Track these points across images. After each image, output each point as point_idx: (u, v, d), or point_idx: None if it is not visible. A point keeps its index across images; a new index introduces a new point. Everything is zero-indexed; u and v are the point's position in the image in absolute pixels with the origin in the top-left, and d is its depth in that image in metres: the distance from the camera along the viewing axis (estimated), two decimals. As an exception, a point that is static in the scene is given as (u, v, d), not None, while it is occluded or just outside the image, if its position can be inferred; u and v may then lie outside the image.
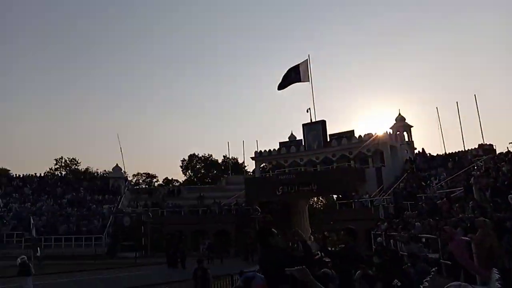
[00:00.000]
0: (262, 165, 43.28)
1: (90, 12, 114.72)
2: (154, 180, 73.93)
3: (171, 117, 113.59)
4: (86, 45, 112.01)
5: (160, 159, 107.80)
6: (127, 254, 33.70)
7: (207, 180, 67.92)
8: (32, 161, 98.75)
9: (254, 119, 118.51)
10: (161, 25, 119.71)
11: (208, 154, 73.42)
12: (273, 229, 4.93)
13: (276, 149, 41.97)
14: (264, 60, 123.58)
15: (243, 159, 60.47)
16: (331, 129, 40.15)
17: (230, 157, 63.02)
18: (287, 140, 42.35)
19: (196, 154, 73.32)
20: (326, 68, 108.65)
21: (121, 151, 47.19)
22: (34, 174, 48.68)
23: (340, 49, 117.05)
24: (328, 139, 39.27)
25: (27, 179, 47.18)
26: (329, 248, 9.80)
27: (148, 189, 53.67)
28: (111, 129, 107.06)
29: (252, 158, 43.59)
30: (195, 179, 70.31)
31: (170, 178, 74.80)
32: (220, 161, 72.51)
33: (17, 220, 36.81)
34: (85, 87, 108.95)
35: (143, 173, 74.20)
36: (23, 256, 16.18)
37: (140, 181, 72.38)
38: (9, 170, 59.36)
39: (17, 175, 48.94)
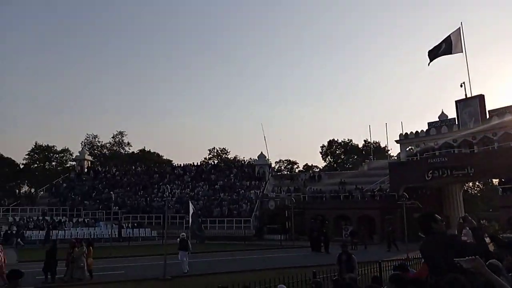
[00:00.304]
0: (408, 148, 40.34)
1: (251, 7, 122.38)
2: (295, 166, 75.82)
3: (310, 104, 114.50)
4: (235, 47, 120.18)
5: (300, 146, 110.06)
6: (273, 236, 35.34)
7: (347, 166, 66.74)
8: (190, 151, 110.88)
9: (398, 99, 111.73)
10: (303, 14, 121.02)
11: (348, 139, 72.14)
12: (436, 215, 4.60)
13: (424, 130, 38.63)
14: (408, 34, 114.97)
15: (386, 143, 57.63)
16: (490, 105, 35.23)
17: (372, 141, 60.72)
18: (437, 119, 38.62)
19: (336, 139, 72.67)
20: (481, 37, 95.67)
21: (264, 139, 49.63)
22: (192, 163, 54.39)
23: (497, 13, 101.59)
24: (488, 116, 34.45)
25: (187, 168, 52.98)
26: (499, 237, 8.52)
27: (290, 175, 55.26)
28: (256, 120, 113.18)
29: (396, 141, 41.02)
30: (335, 164, 69.80)
31: (310, 164, 75.84)
32: (360, 146, 70.51)
33: (179, 204, 41.85)
34: (233, 86, 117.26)
35: (285, 160, 76.72)
36: (183, 234, 18.41)
37: (282, 167, 75.03)
38: (172, 161, 68.01)
39: (178, 165, 55.36)
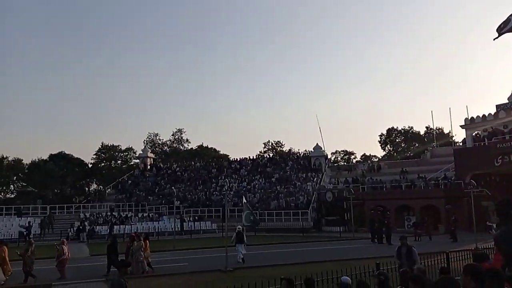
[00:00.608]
0: (474, 133, 37.98)
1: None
2: (352, 157, 74.23)
3: (367, 91, 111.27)
4: (290, 41, 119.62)
5: (357, 135, 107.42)
6: (331, 228, 34.91)
7: (408, 154, 64.19)
8: (246, 146, 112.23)
9: (462, 82, 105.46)
10: None
11: (409, 127, 69.30)
12: None
13: (492, 113, 36.18)
14: (472, 12, 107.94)
15: (449, 129, 54.73)
16: None
17: (434, 128, 57.87)
18: (506, 101, 35.95)
19: (395, 127, 70.08)
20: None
21: (320, 130, 48.90)
22: (248, 157, 55.03)
23: None
24: None
25: (243, 162, 53.68)
26: None
27: (348, 165, 54.19)
28: (310, 111, 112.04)
29: (461, 126, 38.73)
30: (395, 153, 67.42)
31: (368, 154, 73.87)
32: (422, 133, 67.51)
33: (237, 197, 42.53)
34: (286, 78, 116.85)
35: (341, 151, 75.35)
36: (239, 227, 18.72)
37: (339, 158, 73.77)
38: (229, 155, 69.24)
39: (235, 159, 56.26)
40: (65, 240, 17.30)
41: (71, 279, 15.43)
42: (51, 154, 67.71)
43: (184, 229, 36.24)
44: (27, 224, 33.35)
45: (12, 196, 61.65)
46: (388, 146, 70.92)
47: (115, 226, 35.27)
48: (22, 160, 65.82)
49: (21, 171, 64.30)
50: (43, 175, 61.33)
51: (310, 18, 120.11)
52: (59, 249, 15.83)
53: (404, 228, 33.04)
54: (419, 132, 68.08)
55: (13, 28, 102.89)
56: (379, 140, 71.22)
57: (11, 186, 64.86)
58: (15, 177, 64.53)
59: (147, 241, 17.23)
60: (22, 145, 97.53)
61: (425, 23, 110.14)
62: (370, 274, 9.25)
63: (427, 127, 66.04)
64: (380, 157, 68.04)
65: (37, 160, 66.25)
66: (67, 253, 15.85)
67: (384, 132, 70.53)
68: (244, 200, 17.84)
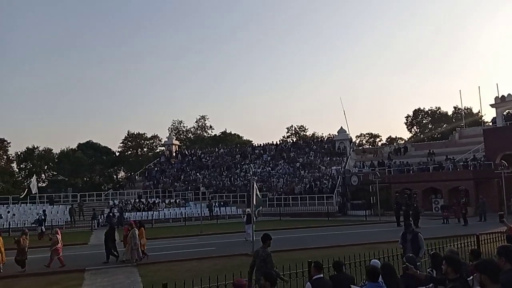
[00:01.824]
0: (505, 112, 36.71)
1: None
2: (378, 139, 73.16)
3: (391, 73, 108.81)
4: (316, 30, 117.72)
5: (382, 117, 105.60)
6: (357, 212, 34.70)
7: (436, 136, 62.74)
8: (269, 131, 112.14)
9: (492, 59, 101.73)
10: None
11: (436, 107, 67.64)
12: None
13: (524, 90, 34.83)
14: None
15: (479, 108, 53.05)
16: None
17: (463, 108, 56.26)
18: (539, 78, 34.49)
19: (422, 108, 68.48)
20: None
21: (344, 113, 48.26)
22: (271, 142, 55.02)
23: None
24: None
25: (266, 147, 53.72)
26: None
27: (373, 148, 53.48)
28: (334, 93, 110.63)
29: (491, 105, 37.49)
30: (421, 135, 66.01)
31: (393, 136, 72.64)
32: (450, 113, 65.77)
33: (261, 182, 42.73)
34: (309, 62, 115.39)
35: (366, 134, 74.35)
36: (248, 210, 19.86)
37: (364, 141, 72.86)
38: (252, 141, 69.39)
39: (258, 144, 56.33)
40: (58, 229, 17.32)
41: (103, 264, 15.94)
42: (80, 143, 69.63)
43: (213, 214, 36.84)
44: (41, 212, 34.13)
45: (44, 185, 63.87)
46: (415, 127, 69.48)
47: (142, 212, 36.15)
48: (52, 149, 67.97)
49: (51, 160, 66.38)
50: (72, 163, 63.21)
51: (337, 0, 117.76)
52: (52, 239, 16.02)
53: (431, 211, 32.55)
54: (446, 112, 66.40)
55: (45, 20, 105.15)
56: (405, 121, 69.88)
57: (43, 175, 67.10)
58: (46, 167, 66.70)
59: (142, 229, 17.04)
60: (52, 135, 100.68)
61: (455, 1, 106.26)
62: (397, 258, 9.19)
63: (455, 107, 64.40)
64: (407, 139, 66.86)
65: (66, 149, 68.25)
66: (60, 242, 16.07)
67: (411, 114, 69.11)
68: (255, 188, 17.97)
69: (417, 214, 26.14)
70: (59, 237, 16.19)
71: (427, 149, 42.50)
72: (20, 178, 65.22)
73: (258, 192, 18.23)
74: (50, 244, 16.06)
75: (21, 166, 65.26)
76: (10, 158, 63.30)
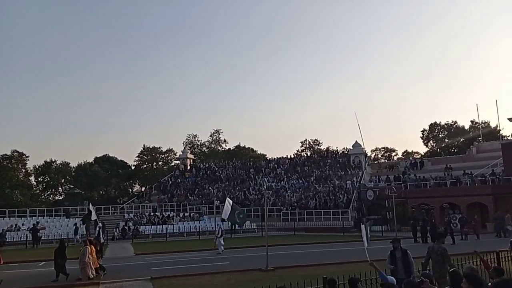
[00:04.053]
0: (524, 126, 36.11)
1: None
2: (393, 153, 72.42)
3: (407, 86, 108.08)
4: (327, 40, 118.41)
5: (398, 131, 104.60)
6: (372, 227, 34.07)
7: (452, 150, 61.78)
8: (283, 145, 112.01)
9: (509, 72, 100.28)
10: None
11: (452, 121, 66.74)
12: None
13: (544, 104, 34.22)
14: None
15: (496, 122, 52.22)
16: None
17: (480, 122, 55.38)
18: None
19: (438, 122, 67.66)
20: None
21: (359, 127, 47.83)
22: (285, 156, 54.90)
23: None
24: None
25: (280, 161, 53.63)
26: None
27: (389, 163, 52.87)
28: (348, 107, 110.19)
29: (509, 119, 36.89)
30: (438, 149, 65.06)
31: (409, 150, 71.82)
32: (467, 127, 64.81)
33: (275, 197, 42.58)
34: (317, 73, 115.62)
35: (381, 148, 73.69)
36: (220, 223, 18.63)
37: (379, 155, 72.18)
38: (266, 155, 69.38)
39: (272, 158, 56.28)
40: None
41: (117, 278, 15.99)
42: (96, 157, 70.61)
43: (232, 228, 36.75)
44: (41, 225, 34.71)
45: (61, 198, 64.73)
46: (431, 142, 68.60)
47: (156, 226, 36.32)
48: (70, 163, 68.98)
49: (68, 174, 67.35)
50: (89, 177, 64.03)
51: (351, 12, 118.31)
52: None
53: (449, 226, 31.84)
54: (463, 126, 65.45)
55: (62, 35, 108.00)
56: (421, 136, 69.06)
57: (60, 188, 68.08)
58: (63, 180, 67.65)
59: (93, 247, 16.48)
60: (69, 149, 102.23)
61: (471, 13, 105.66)
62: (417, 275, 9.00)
63: (472, 121, 63.43)
64: (423, 154, 65.98)
65: (83, 163, 69.21)
66: None
67: (427, 128, 68.34)
68: (230, 203, 19.52)
69: (435, 230, 25.61)
70: None
71: (444, 164, 41.87)
72: (38, 191, 66.29)
73: (236, 206, 19.65)
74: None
75: (39, 179, 66.32)
76: (29, 171, 64.44)
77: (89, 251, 15.86)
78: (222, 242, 23.32)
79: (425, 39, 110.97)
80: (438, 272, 9.14)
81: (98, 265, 16.55)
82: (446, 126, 66.79)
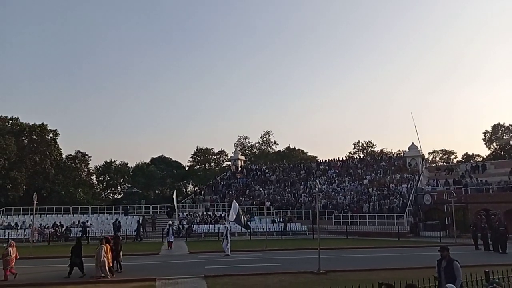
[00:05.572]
0: None
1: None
2: (452, 156, 69.00)
3: (468, 87, 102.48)
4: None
5: (457, 133, 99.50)
6: (430, 233, 32.71)
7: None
8: (334, 147, 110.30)
9: None
10: None
11: (518, 122, 62.42)
12: None
13: None
14: None
15: None
16: None
17: (550, 122, 51.35)
18: None
19: (502, 123, 63.54)
20: None
21: (415, 129, 46.17)
22: (337, 159, 53.99)
23: None
24: None
25: (331, 163, 52.82)
26: None
27: (448, 166, 50.41)
28: (403, 108, 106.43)
29: None
30: (502, 152, 61.06)
31: (470, 153, 68.07)
32: (537, 127, 60.40)
33: (326, 199, 41.96)
34: (376, 77, 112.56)
35: (440, 150, 70.48)
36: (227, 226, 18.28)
37: (437, 158, 69.07)
38: (317, 157, 68.66)
39: (323, 160, 55.57)
40: (13, 242, 17.31)
41: (173, 274, 16.48)
42: (153, 157, 73.49)
43: (287, 230, 36.80)
44: (86, 222, 36.34)
45: (119, 196, 67.97)
46: (494, 143, 64.57)
47: (209, 225, 37.07)
48: (128, 163, 72.26)
49: (127, 173, 70.51)
50: (146, 177, 66.78)
51: (397, 11, 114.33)
52: (4, 250, 16.42)
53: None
54: (530, 127, 61.04)
55: (118, 40, 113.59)
56: (483, 137, 65.22)
57: (119, 187, 71.53)
58: (122, 179, 70.98)
59: (108, 246, 16.40)
60: (128, 150, 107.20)
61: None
62: (482, 283, 8.51)
63: (539, 122, 59.00)
64: (485, 156, 62.24)
65: (140, 163, 72.26)
66: (13, 254, 16.25)
67: (489, 129, 64.43)
68: (237, 208, 21.93)
69: (504, 237, 23.99)
70: (12, 249, 16.33)
71: (509, 167, 39.22)
72: (99, 190, 70.01)
73: (240, 211, 21.51)
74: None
75: (100, 178, 70.00)
76: (90, 171, 68.20)
77: (105, 250, 15.88)
78: (228, 245, 22.71)
79: (487, 36, 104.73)
80: None
81: (111, 264, 16.46)
82: (510, 127, 62.62)
